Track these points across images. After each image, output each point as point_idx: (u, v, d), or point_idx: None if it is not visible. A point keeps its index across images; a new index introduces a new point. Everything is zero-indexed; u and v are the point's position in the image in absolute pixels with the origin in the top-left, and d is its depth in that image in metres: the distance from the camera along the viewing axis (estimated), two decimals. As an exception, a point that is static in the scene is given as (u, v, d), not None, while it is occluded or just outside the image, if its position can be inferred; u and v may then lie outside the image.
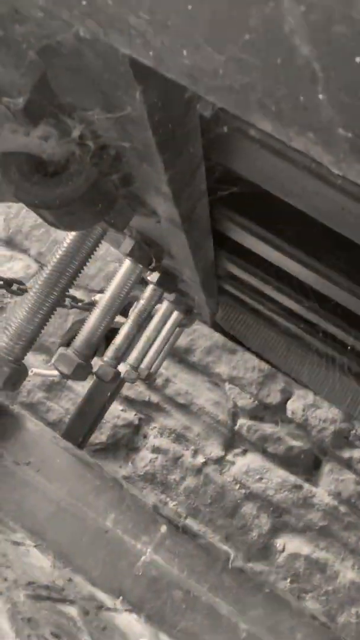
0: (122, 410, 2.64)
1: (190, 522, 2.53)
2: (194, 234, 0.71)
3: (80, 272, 0.67)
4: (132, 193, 0.57)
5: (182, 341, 2.57)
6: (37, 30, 0.31)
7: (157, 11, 0.19)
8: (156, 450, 2.62)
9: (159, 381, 2.61)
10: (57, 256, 0.65)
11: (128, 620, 1.68)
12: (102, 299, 0.94)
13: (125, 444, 2.68)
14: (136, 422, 2.65)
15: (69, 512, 1.85)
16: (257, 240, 0.77)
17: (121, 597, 1.73)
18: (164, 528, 1.87)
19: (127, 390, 2.55)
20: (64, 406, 2.67)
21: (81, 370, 0.92)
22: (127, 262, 0.93)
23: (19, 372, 0.65)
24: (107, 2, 0.22)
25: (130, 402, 2.63)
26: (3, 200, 0.61)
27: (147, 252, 0.90)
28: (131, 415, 2.66)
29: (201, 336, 2.62)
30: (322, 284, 0.79)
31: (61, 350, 0.92)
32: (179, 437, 2.62)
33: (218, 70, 0.20)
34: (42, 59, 0.33)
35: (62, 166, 0.47)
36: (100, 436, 2.60)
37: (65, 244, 0.64)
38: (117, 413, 2.62)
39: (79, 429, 2.17)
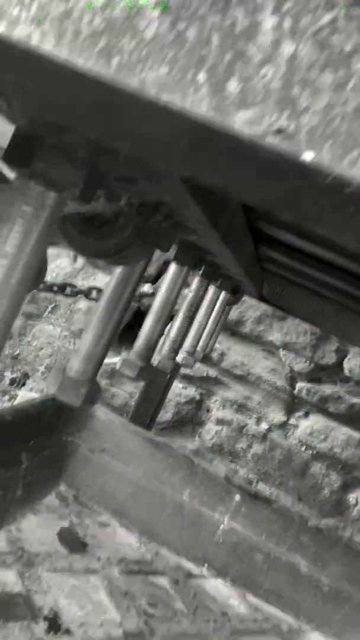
0: (183, 387, 2.73)
1: (262, 487, 2.62)
2: (233, 240, 0.76)
3: (135, 292, 0.73)
4: (174, 223, 0.62)
5: (232, 314, 2.62)
6: (85, 139, 0.37)
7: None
8: (220, 422, 2.71)
9: (215, 356, 2.68)
10: (115, 282, 0.71)
11: (215, 585, 1.79)
12: (155, 304, 1.01)
13: (190, 419, 2.78)
14: (198, 397, 2.74)
15: (147, 491, 1.97)
16: (292, 235, 0.81)
17: (206, 565, 1.85)
18: (237, 497, 1.96)
19: (185, 369, 2.64)
20: (127, 390, 2.78)
21: (144, 372, 1.00)
22: (173, 266, 0.99)
23: (95, 391, 0.73)
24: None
25: (189, 379, 2.72)
26: (56, 246, 0.67)
27: (190, 255, 0.96)
28: (192, 392, 2.75)
29: (249, 307, 2.66)
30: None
31: (124, 355, 1.00)
32: (241, 407, 2.69)
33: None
34: (92, 156, 0.39)
35: (111, 218, 0.53)
36: (165, 415, 2.70)
37: (119, 270, 0.71)
38: (178, 391, 2.71)
39: (145, 411, 2.28)
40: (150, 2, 0.20)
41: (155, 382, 2.24)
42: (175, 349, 1.30)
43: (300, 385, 2.65)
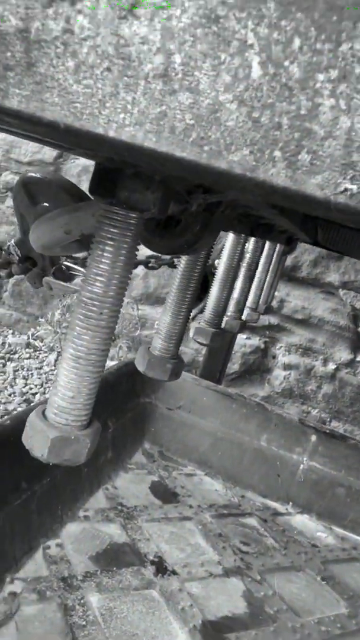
0: (246, 338, 2.79)
1: (335, 425, 2.68)
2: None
3: (202, 273, 0.79)
4: (239, 210, 0.67)
5: (287, 261, 2.63)
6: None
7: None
8: (287, 367, 2.77)
9: (274, 304, 2.72)
10: (184, 263, 0.77)
11: (302, 521, 1.90)
12: (218, 272, 1.07)
13: (257, 367, 2.85)
14: (262, 346, 2.80)
15: (226, 440, 2.08)
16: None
17: (290, 503, 1.96)
18: (313, 437, 2.04)
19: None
20: (193, 347, 2.88)
21: (217, 337, 1.07)
22: (231, 235, 1.04)
23: (179, 365, 0.80)
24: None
25: (252, 329, 2.78)
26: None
27: (246, 223, 1.00)
28: (256, 341, 2.81)
29: (304, 251, 2.67)
30: None
31: (195, 324, 1.07)
32: (307, 350, 2.74)
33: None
34: (166, 180, 0.45)
35: (181, 218, 0.59)
36: (233, 366, 2.79)
37: (183, 262, 0.77)
38: (242, 342, 2.78)
39: (213, 366, 2.37)
40: (228, 97, 0.25)
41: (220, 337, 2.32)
42: (240, 308, 1.36)
43: (363, 322, 2.66)
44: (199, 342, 1.05)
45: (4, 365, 2.66)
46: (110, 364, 2.73)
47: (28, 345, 2.91)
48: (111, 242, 0.48)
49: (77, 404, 0.51)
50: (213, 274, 1.27)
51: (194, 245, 0.60)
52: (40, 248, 0.61)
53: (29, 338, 2.93)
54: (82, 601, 1.28)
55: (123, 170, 0.45)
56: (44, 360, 2.77)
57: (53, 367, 2.74)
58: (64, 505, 1.55)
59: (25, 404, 2.38)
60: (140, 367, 0.81)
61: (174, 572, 1.45)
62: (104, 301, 0.50)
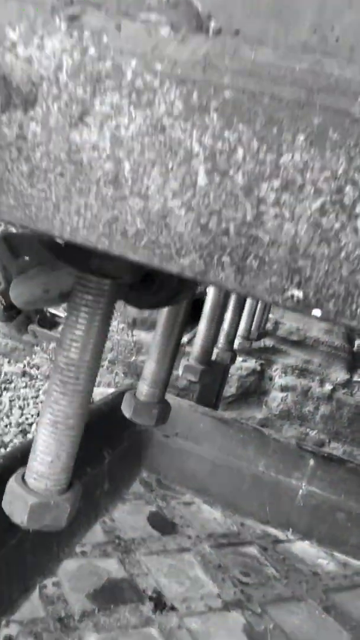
0: (243, 361, 2.79)
1: (334, 446, 2.67)
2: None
3: (185, 318, 0.80)
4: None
5: (280, 283, 2.63)
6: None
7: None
8: (285, 388, 2.77)
9: (269, 326, 2.72)
10: (164, 314, 0.78)
11: (302, 547, 1.88)
12: (205, 308, 1.07)
13: (254, 390, 2.85)
14: (259, 368, 2.80)
15: (224, 467, 2.07)
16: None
17: (290, 529, 1.94)
18: (311, 461, 2.03)
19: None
20: (190, 371, 2.86)
21: (206, 374, 1.07)
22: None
23: (165, 409, 0.80)
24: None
25: (248, 352, 2.77)
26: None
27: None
28: (252, 364, 2.81)
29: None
30: None
31: (184, 362, 1.07)
32: (303, 372, 2.74)
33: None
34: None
35: (159, 275, 0.60)
36: (230, 389, 2.78)
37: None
38: (239, 365, 2.78)
39: (209, 391, 2.37)
40: (176, 203, 0.26)
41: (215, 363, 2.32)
42: (231, 340, 1.36)
43: (359, 342, 2.66)
44: (188, 380, 1.05)
45: (0, 395, 2.65)
46: (107, 390, 2.72)
47: (24, 374, 2.91)
48: (85, 309, 0.49)
49: (56, 468, 0.51)
50: (204, 299, 1.28)
51: (174, 298, 0.60)
52: (21, 305, 0.62)
53: (24, 367, 2.92)
54: (79, 642, 1.26)
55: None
56: (40, 389, 2.76)
57: (49, 396, 2.73)
58: (60, 542, 1.53)
59: (22, 435, 2.37)
60: (127, 414, 0.81)
61: (172, 608, 1.43)
62: (80, 366, 0.50)
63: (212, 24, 0.24)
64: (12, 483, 0.52)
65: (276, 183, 0.24)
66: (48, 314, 0.95)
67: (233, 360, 1.39)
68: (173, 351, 0.79)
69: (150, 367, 0.80)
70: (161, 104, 0.25)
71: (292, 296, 0.24)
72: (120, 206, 0.27)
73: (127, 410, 0.80)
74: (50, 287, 0.59)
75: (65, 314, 0.53)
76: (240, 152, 0.24)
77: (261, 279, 0.24)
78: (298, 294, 0.24)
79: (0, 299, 0.80)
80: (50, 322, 0.96)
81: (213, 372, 1.08)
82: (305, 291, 0.24)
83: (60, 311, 1.03)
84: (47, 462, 0.51)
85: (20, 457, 1.41)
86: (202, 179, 0.25)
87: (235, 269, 0.25)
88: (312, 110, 0.23)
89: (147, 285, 0.60)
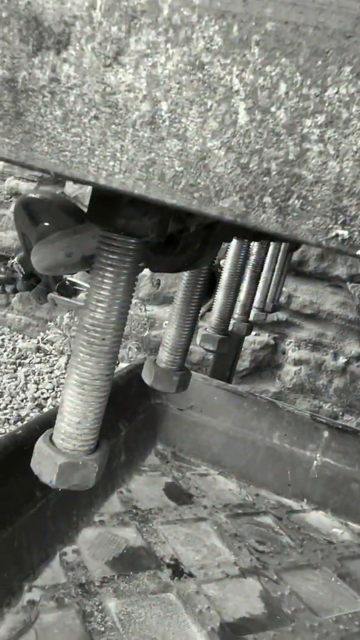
0: (256, 334, 2.79)
1: (347, 418, 2.67)
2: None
3: (205, 284, 0.79)
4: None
5: (294, 256, 2.62)
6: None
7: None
8: (298, 362, 2.77)
9: (282, 299, 2.71)
10: (185, 277, 0.77)
11: (317, 517, 1.90)
12: (223, 277, 1.07)
13: (267, 364, 2.85)
14: (272, 342, 2.80)
15: (238, 439, 2.08)
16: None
17: (305, 500, 1.96)
18: (326, 433, 2.04)
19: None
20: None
21: (224, 343, 1.07)
22: (234, 241, 1.04)
23: (186, 377, 0.80)
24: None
25: (261, 325, 2.77)
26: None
27: (247, 231, 1.00)
28: (265, 337, 2.80)
29: (310, 246, 2.65)
30: None
31: (202, 331, 1.07)
32: (316, 345, 2.73)
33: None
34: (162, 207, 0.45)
35: (181, 237, 0.59)
36: (243, 363, 2.78)
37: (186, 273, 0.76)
38: (252, 339, 2.78)
39: (223, 365, 2.37)
40: (215, 144, 0.25)
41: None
42: (247, 310, 1.35)
43: (373, 314, 2.65)
44: (206, 349, 1.05)
45: (15, 370, 2.68)
46: (120, 365, 2.74)
47: (38, 349, 2.93)
48: (111, 269, 0.49)
49: (84, 429, 0.52)
50: (220, 272, 1.27)
51: (195, 262, 0.60)
52: (43, 270, 0.62)
53: (38, 342, 2.94)
54: (100, 607, 1.29)
55: (120, 198, 0.45)
56: (54, 364, 2.78)
57: (64, 371, 2.75)
58: (79, 511, 1.56)
59: (38, 409, 2.40)
60: (147, 380, 0.81)
61: (190, 575, 1.46)
62: (106, 327, 0.50)
63: None
64: (40, 444, 0.53)
65: (320, 118, 0.23)
66: (67, 282, 0.95)
67: (249, 331, 1.38)
68: (193, 318, 0.79)
69: (170, 333, 0.80)
70: (199, 40, 0.25)
71: (337, 236, 0.24)
72: (158, 148, 0.26)
73: (147, 377, 0.81)
74: (72, 250, 0.58)
75: (86, 280, 0.53)
76: (282, 87, 0.24)
77: (304, 220, 0.24)
78: (343, 233, 0.23)
79: (20, 268, 0.80)
80: (70, 291, 0.96)
81: (230, 342, 1.08)
82: (350, 230, 0.23)
83: (79, 279, 1.04)
84: (74, 423, 0.51)
85: (39, 428, 1.42)
86: (242, 118, 0.24)
87: (277, 210, 0.24)
88: (358, 40, 0.22)
89: (169, 248, 0.60)
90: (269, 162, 0.24)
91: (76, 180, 0.27)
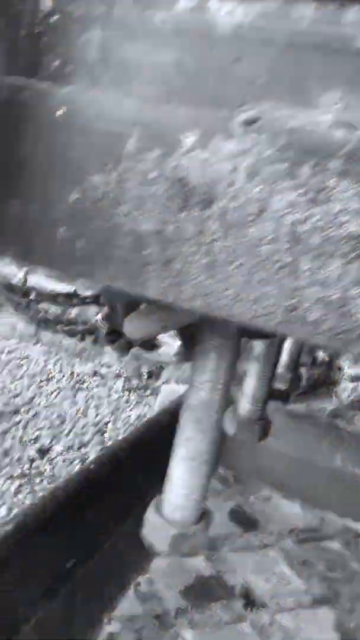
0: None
1: None
2: None
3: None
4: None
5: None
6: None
7: None
8: (355, 378, 2.73)
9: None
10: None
11: (385, 541, 1.87)
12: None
13: (323, 381, 2.82)
14: (327, 358, 2.77)
15: (300, 461, 2.08)
16: None
17: (372, 523, 1.93)
18: (389, 453, 2.01)
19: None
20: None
21: (294, 382, 1.08)
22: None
23: (266, 425, 0.83)
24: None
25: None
26: None
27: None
28: (320, 354, 2.78)
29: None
30: None
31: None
32: (373, 361, 2.69)
33: None
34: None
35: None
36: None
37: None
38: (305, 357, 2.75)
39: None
40: (357, 293, 0.28)
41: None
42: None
43: None
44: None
45: (75, 395, 2.75)
46: (175, 388, 2.77)
47: (95, 373, 2.99)
48: (214, 353, 0.52)
49: (191, 500, 0.55)
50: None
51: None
52: (137, 339, 0.65)
53: (95, 366, 3.01)
54: (177, 638, 1.32)
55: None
56: (112, 388, 2.84)
57: (121, 394, 2.81)
58: (149, 540, 1.59)
59: (99, 434, 2.46)
60: (230, 429, 0.84)
61: (263, 605, 1.47)
62: (211, 405, 0.53)
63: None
64: (151, 515, 0.56)
65: None
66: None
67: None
68: (272, 369, 0.81)
69: (250, 384, 0.82)
70: (336, 202, 0.27)
71: None
72: (300, 295, 0.29)
73: (230, 427, 0.83)
74: (168, 323, 0.62)
75: (186, 351, 0.56)
76: None
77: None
78: None
79: (104, 324, 0.84)
80: (150, 345, 1.00)
81: (299, 380, 1.10)
82: None
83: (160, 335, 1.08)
84: (182, 495, 0.54)
85: (109, 463, 1.46)
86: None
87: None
88: None
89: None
90: None
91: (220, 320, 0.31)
